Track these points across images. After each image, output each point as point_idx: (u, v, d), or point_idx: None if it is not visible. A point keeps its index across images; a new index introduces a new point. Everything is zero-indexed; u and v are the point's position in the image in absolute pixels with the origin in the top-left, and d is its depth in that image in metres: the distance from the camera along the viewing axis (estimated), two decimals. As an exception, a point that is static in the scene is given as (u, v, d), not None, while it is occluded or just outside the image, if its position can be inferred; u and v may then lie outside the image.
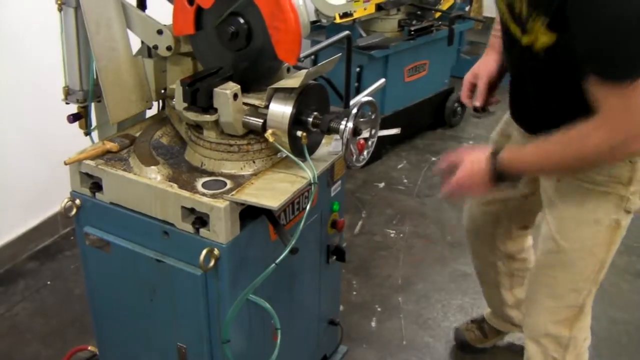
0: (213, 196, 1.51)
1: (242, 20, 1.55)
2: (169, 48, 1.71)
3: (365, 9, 3.40)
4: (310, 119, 1.55)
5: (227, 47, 1.60)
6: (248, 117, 1.57)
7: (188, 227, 1.53)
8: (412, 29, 3.57)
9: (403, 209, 3.24)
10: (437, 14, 3.78)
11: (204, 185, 1.56)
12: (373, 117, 1.59)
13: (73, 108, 1.82)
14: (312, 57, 3.02)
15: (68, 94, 1.80)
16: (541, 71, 1.58)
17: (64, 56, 1.76)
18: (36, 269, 2.80)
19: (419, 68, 3.77)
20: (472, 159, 1.64)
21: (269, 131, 1.52)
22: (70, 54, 1.74)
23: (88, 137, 1.88)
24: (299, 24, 1.49)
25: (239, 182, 1.57)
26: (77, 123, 1.84)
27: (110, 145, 1.71)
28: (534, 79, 1.64)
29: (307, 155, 1.54)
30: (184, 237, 1.55)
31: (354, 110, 1.49)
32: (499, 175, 1.58)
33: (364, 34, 3.53)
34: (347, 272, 2.76)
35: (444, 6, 3.90)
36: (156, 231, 1.59)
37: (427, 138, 4.03)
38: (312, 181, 1.51)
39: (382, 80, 2.36)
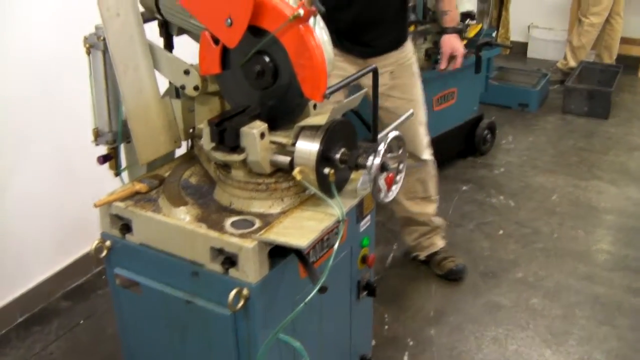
0: (241, 236, 1.51)
1: (267, 59, 1.56)
2: (196, 88, 1.73)
3: (391, 40, 3.40)
4: (338, 156, 1.55)
5: (254, 86, 1.61)
6: (276, 156, 1.57)
7: (217, 268, 1.52)
8: (436, 58, 3.55)
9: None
10: (464, 42, 3.76)
11: (233, 224, 1.56)
12: (400, 152, 1.58)
13: (104, 149, 1.85)
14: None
15: (98, 135, 1.83)
16: None
17: (93, 98, 1.79)
18: (70, 308, 2.82)
19: (448, 96, 3.75)
20: (450, 44, 2.76)
21: (297, 169, 1.52)
22: (99, 96, 1.77)
23: (118, 177, 1.90)
24: (325, 60, 1.49)
25: (267, 220, 1.56)
26: (107, 164, 1.87)
27: (139, 186, 1.73)
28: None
29: (334, 192, 1.53)
30: (214, 277, 1.54)
31: (381, 147, 1.48)
32: (461, 30, 2.83)
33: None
34: (379, 305, 2.72)
35: (471, 33, 3.88)
36: (186, 272, 1.59)
37: (458, 167, 4.00)
38: (339, 218, 1.50)
39: (410, 111, 2.35)
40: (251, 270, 1.48)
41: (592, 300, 2.82)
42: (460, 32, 2.64)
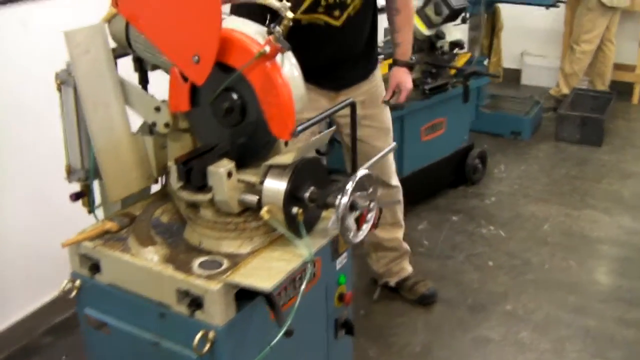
0: (208, 277, 1.47)
1: (235, 96, 1.54)
2: (166, 125, 1.71)
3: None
4: (307, 195, 1.52)
5: (223, 123, 1.58)
6: (244, 195, 1.54)
7: (184, 310, 1.49)
8: (427, 87, 3.54)
9: (422, 272, 3.15)
10: (453, 71, 3.76)
11: (201, 265, 1.53)
12: (371, 190, 1.55)
13: (77, 186, 1.82)
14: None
15: (70, 172, 1.80)
16: (356, 25, 2.42)
17: (65, 135, 1.76)
18: (52, 344, 2.77)
19: (436, 126, 3.73)
20: (398, 77, 2.61)
21: (264, 209, 1.49)
22: (71, 132, 1.75)
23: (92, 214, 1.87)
24: (292, 98, 1.47)
25: (236, 261, 1.53)
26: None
27: (109, 225, 1.70)
28: (348, 38, 2.43)
29: (303, 232, 1.50)
30: (180, 320, 1.51)
31: (349, 185, 1.45)
32: (411, 64, 2.64)
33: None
34: (365, 341, 2.68)
35: (460, 62, 3.89)
36: (153, 313, 1.55)
37: (449, 197, 3.96)
38: (307, 260, 1.46)
39: (393, 144, 2.34)
40: (217, 312, 1.44)
41: (583, 334, 2.77)
42: (410, 66, 2.61)
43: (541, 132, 4.93)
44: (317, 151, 1.93)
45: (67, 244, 1.64)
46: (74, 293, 1.69)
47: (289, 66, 1.56)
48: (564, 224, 3.65)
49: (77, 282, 1.69)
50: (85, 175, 1.79)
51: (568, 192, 4.03)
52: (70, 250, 1.68)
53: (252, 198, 1.52)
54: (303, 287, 1.45)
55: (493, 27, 5.06)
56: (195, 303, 1.47)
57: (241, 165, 1.57)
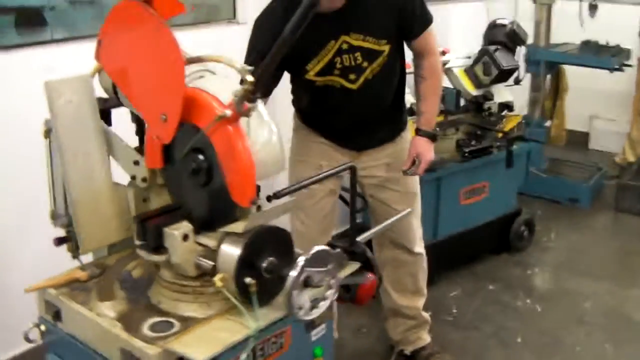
0: (155, 340, 1.43)
1: (202, 157, 1.50)
2: (144, 180, 1.69)
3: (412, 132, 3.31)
4: (264, 265, 1.45)
5: (191, 183, 1.55)
6: (201, 259, 1.50)
7: (128, 372, 1.45)
8: (467, 150, 3.42)
9: (444, 342, 3.00)
10: (500, 134, 3.62)
11: (151, 326, 1.49)
12: (331, 266, 1.46)
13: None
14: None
15: (54, 217, 1.81)
16: (375, 89, 2.37)
17: (50, 180, 1.78)
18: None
19: (478, 190, 3.59)
20: (418, 147, 2.47)
21: (218, 276, 1.43)
22: (56, 179, 1.76)
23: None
24: (252, 165, 1.42)
25: (187, 325, 1.48)
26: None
27: (80, 274, 1.69)
28: (367, 102, 2.38)
29: (255, 304, 1.43)
30: (126, 382, 1.46)
31: (301, 260, 1.38)
32: (434, 135, 2.51)
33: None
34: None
35: (509, 125, 3.74)
36: (103, 370, 1.52)
37: (488, 263, 3.79)
38: (250, 334, 1.40)
39: (408, 210, 2.25)
40: (159, 381, 1.39)
41: None
42: (433, 137, 2.49)
43: (601, 201, 4.67)
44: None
45: (31, 289, 1.64)
46: (38, 337, 1.69)
47: (266, 131, 1.52)
48: (607, 303, 3.40)
49: (42, 327, 1.68)
50: (69, 221, 1.79)
51: (619, 269, 3.78)
52: (37, 294, 1.68)
53: (208, 264, 1.48)
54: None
55: (557, 88, 4.87)
56: (139, 365, 1.43)
57: (209, 227, 1.53)
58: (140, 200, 1.78)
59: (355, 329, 3.14)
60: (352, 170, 1.88)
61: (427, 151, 2.46)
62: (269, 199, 1.61)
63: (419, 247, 2.74)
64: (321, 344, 1.78)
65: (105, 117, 1.79)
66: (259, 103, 1.52)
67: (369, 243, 2.32)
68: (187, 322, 1.49)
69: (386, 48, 2.27)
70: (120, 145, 1.74)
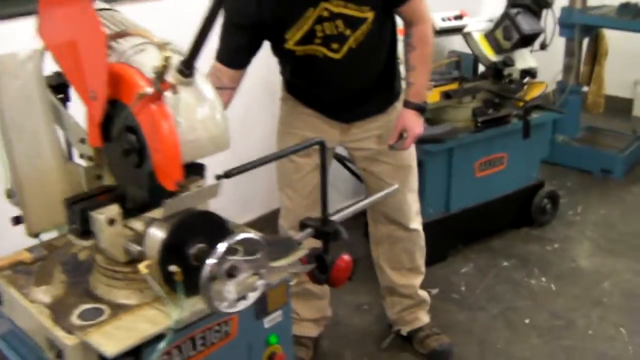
0: (80, 328, 1.37)
1: (134, 137, 1.42)
2: (90, 158, 1.62)
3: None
4: (193, 252, 1.37)
5: (125, 164, 1.47)
6: (130, 244, 1.42)
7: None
8: (481, 119, 3.25)
9: (447, 323, 2.88)
10: (521, 103, 3.42)
11: (81, 314, 1.43)
12: (259, 255, 1.36)
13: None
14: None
15: (10, 196, 1.77)
16: (361, 59, 2.22)
17: (3, 158, 1.73)
18: None
19: (494, 162, 3.41)
20: (405, 120, 2.33)
21: (144, 263, 1.36)
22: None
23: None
24: (177, 146, 1.32)
25: (116, 313, 1.42)
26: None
27: (24, 256, 1.65)
28: (352, 72, 2.25)
29: (181, 294, 1.35)
30: (53, 370, 1.42)
31: (221, 248, 1.29)
32: (423, 108, 2.36)
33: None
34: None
35: (532, 93, 3.53)
36: (37, 356, 1.48)
37: (507, 238, 3.62)
38: (170, 326, 1.32)
39: (394, 187, 2.13)
40: (77, 370, 1.34)
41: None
42: (422, 110, 2.33)
43: (637, 172, 4.41)
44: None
45: (-29, 271, 1.60)
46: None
47: (206, 107, 1.42)
48: (627, 283, 3.21)
49: (-10, 310, 1.65)
50: (23, 200, 1.75)
51: (646, 247, 3.56)
52: (-19, 277, 1.65)
53: (136, 249, 1.40)
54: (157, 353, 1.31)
55: (595, 53, 4.58)
56: (61, 356, 1.37)
57: (144, 210, 1.46)
58: (93, 179, 1.71)
59: (355, 307, 3.06)
60: (321, 145, 1.77)
61: (415, 125, 2.32)
62: (218, 178, 1.53)
63: (415, 223, 2.62)
64: (276, 331, 1.71)
65: (63, 91, 1.72)
66: (200, 78, 1.43)
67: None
68: (118, 310, 1.43)
69: (370, 15, 2.12)
70: (69, 122, 1.67)
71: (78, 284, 1.55)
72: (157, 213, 1.40)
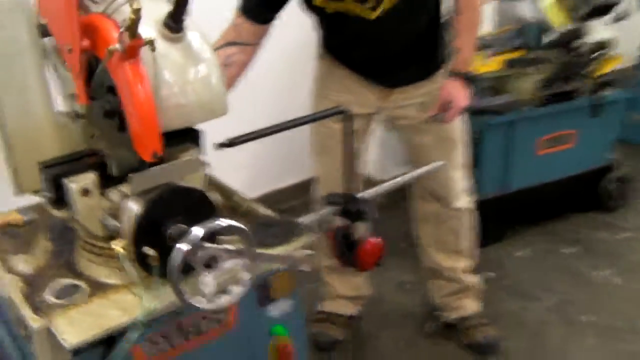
0: (50, 308, 1.24)
1: (114, 98, 1.25)
2: (80, 116, 1.47)
3: (484, 65, 2.88)
4: (171, 232, 1.20)
5: (107, 126, 1.31)
6: (108, 218, 1.27)
7: (24, 337, 1.28)
8: (547, 93, 2.94)
9: (497, 312, 2.64)
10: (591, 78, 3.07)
11: (56, 290, 1.29)
12: (244, 247, 1.17)
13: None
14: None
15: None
16: (398, 22, 1.97)
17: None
18: None
19: (561, 139, 3.11)
20: (450, 91, 2.09)
21: (119, 242, 1.20)
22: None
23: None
24: (153, 111, 1.15)
25: (93, 293, 1.28)
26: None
27: (14, 218, 1.53)
28: (389, 35, 2.02)
29: (157, 279, 1.19)
30: (24, 346, 1.30)
31: (197, 232, 1.11)
32: (469, 77, 2.12)
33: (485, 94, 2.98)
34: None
35: (603, 68, 3.16)
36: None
37: (571, 222, 3.32)
38: (139, 317, 1.16)
39: (439, 163, 1.92)
40: (42, 354, 1.20)
41: None
42: (469, 79, 2.09)
43: None
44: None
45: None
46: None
47: (202, 67, 1.25)
48: None
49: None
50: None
51: None
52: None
53: (115, 225, 1.25)
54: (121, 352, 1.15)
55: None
56: (29, 335, 1.24)
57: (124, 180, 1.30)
58: (89, 137, 1.57)
59: (398, 284, 2.87)
60: (346, 115, 1.58)
61: (460, 96, 2.08)
62: (219, 146, 1.36)
63: (462, 202, 2.39)
64: (284, 321, 1.53)
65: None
66: (194, 34, 1.25)
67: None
68: (96, 289, 1.29)
69: None
70: (63, 76, 1.52)
71: (62, 253, 1.42)
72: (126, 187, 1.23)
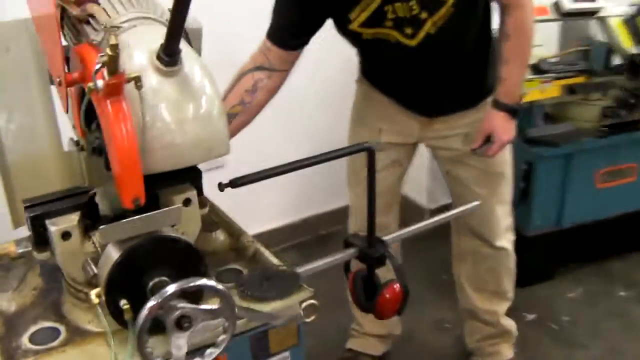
0: (22, 355, 1.16)
1: (100, 135, 1.17)
2: (81, 147, 1.40)
3: (542, 92, 2.69)
4: (151, 284, 1.10)
5: (96, 164, 1.24)
6: (90, 262, 1.18)
7: (-5, 386, 1.20)
8: (607, 123, 2.73)
9: (538, 358, 2.46)
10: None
11: (34, 334, 1.22)
12: (221, 307, 1.07)
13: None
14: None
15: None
16: (443, 47, 1.83)
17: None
18: None
19: (622, 173, 2.88)
20: (493, 123, 1.91)
21: (95, 291, 1.12)
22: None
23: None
24: (132, 156, 1.05)
25: (72, 340, 1.20)
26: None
27: (10, 249, 1.47)
28: (432, 62, 1.87)
29: (130, 336, 1.09)
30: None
31: (168, 289, 1.01)
32: (515, 110, 1.91)
33: (540, 123, 2.79)
34: None
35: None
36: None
37: (629, 263, 3.07)
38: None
39: (475, 203, 1.78)
40: (10, 406, 1.13)
41: None
42: (514, 112, 1.90)
43: None
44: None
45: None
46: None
47: (203, 101, 1.15)
48: None
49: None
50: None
51: None
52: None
53: (92, 270, 1.16)
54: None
55: None
56: (1, 384, 1.18)
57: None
58: (93, 168, 1.50)
59: (434, 323, 2.71)
60: (369, 152, 1.47)
61: (504, 130, 1.91)
62: (220, 187, 1.27)
63: (504, 241, 2.22)
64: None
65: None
66: (191, 65, 1.16)
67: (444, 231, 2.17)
68: (75, 335, 1.21)
69: None
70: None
71: (50, 292, 1.35)
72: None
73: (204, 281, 1.03)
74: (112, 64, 1.00)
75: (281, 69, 1.82)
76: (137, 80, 1.05)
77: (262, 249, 1.46)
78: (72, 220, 1.17)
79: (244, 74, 1.82)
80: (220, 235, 1.53)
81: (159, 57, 1.12)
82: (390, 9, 1.74)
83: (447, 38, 1.80)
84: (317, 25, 1.81)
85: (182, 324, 1.03)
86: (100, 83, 1.02)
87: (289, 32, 1.79)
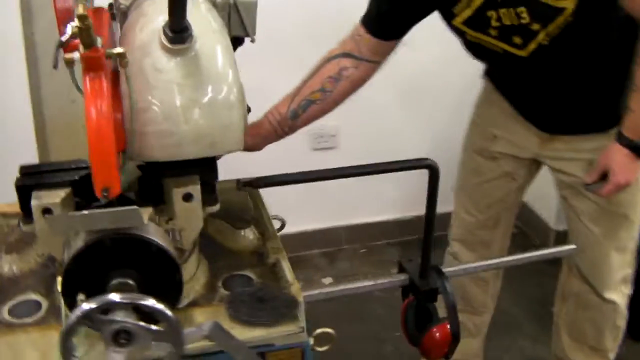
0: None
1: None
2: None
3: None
4: (113, 284, 0.98)
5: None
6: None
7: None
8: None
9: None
10: None
11: (15, 306, 1.17)
12: (164, 327, 0.92)
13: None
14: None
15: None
16: (562, 59, 1.55)
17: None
18: None
19: None
20: (610, 159, 1.60)
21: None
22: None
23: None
24: (104, 140, 0.93)
25: (45, 320, 1.13)
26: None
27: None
28: (548, 75, 1.62)
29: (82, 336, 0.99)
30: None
31: (113, 298, 0.88)
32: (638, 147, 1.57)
33: None
34: None
35: None
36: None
37: None
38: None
39: (570, 246, 1.61)
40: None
41: None
42: (637, 150, 1.54)
43: None
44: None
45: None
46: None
47: (205, 87, 1.03)
48: None
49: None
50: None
51: None
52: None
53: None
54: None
55: None
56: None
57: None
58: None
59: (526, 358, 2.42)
60: (431, 170, 1.29)
61: (623, 169, 1.56)
62: (239, 186, 1.17)
63: (616, 294, 1.89)
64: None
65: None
66: (207, 46, 1.04)
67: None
68: (50, 316, 1.15)
69: (569, 4, 1.42)
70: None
71: (54, 261, 1.28)
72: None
73: (151, 302, 0.89)
74: (85, 37, 0.88)
75: (371, 59, 1.60)
76: (122, 57, 0.93)
77: (283, 261, 1.30)
78: (57, 196, 1.07)
79: (331, 58, 1.62)
80: (249, 234, 1.39)
81: (164, 33, 1.00)
82: (495, 16, 1.48)
83: (565, 50, 1.51)
84: (421, 15, 1.58)
85: (119, 339, 0.91)
86: (76, 55, 0.91)
87: (388, 19, 1.57)
